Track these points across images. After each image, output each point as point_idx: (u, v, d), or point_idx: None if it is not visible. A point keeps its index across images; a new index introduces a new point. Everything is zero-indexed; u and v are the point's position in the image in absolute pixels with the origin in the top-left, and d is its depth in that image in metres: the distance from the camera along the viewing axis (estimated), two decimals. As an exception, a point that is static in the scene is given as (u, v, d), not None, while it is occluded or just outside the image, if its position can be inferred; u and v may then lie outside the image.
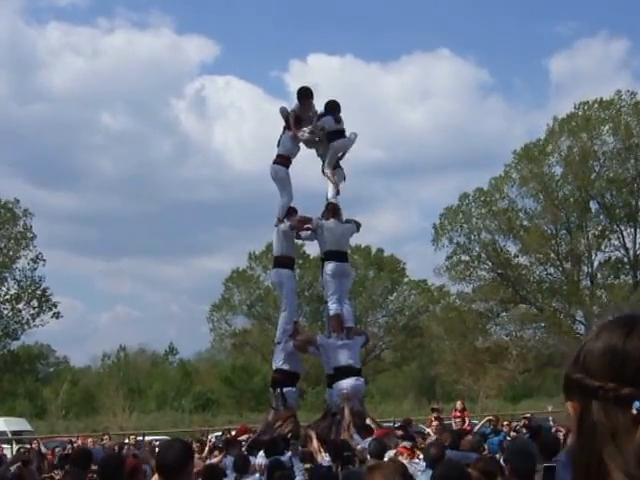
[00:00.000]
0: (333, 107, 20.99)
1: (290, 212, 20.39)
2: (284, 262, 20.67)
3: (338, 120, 20.83)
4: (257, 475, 11.70)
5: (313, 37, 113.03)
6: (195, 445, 19.92)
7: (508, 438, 19.59)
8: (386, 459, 11.01)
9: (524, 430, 20.78)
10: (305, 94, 20.69)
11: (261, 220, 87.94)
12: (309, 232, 20.61)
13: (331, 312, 19.65)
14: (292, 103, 21.28)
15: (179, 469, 5.77)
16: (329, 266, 19.78)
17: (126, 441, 24.94)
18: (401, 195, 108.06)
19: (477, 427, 22.14)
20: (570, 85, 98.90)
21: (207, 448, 18.99)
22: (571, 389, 1.76)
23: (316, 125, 20.52)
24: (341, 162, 21.37)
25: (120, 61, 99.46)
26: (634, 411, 1.63)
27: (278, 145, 20.93)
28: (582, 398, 1.73)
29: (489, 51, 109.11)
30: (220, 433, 28.67)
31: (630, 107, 54.48)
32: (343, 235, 20.28)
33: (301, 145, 21.21)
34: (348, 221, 20.64)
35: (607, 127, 54.68)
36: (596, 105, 54.86)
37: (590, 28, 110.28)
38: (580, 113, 55.19)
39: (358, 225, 20.91)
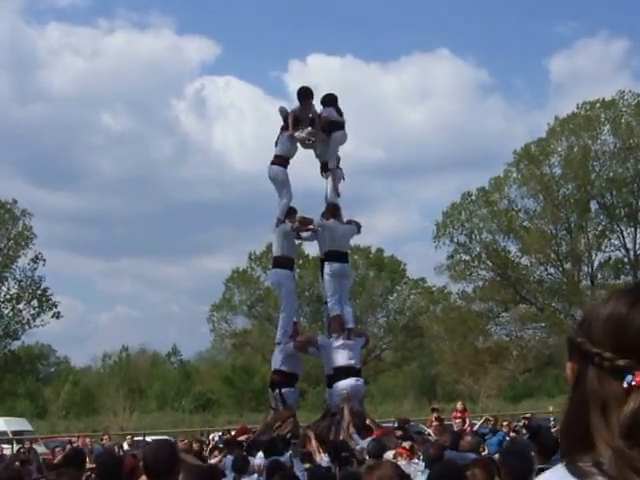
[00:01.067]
0: (332, 99, 21.02)
1: (290, 212, 20.39)
2: (283, 262, 20.67)
3: (340, 112, 20.87)
4: (256, 475, 11.68)
5: (313, 37, 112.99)
6: (195, 445, 19.96)
7: (508, 438, 19.60)
8: (384, 460, 11.01)
9: (524, 430, 20.78)
10: (305, 95, 20.65)
11: (261, 220, 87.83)
12: (310, 233, 20.64)
13: (331, 313, 19.67)
14: (292, 103, 21.32)
15: (167, 471, 5.76)
16: (329, 267, 19.79)
17: (125, 445, 24.88)
18: (401, 195, 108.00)
19: (475, 427, 22.15)
20: (570, 85, 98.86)
21: (208, 448, 19.02)
22: (573, 351, 1.78)
23: (311, 132, 20.59)
24: (342, 162, 21.45)
25: (120, 61, 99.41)
26: (625, 384, 1.64)
27: (276, 145, 20.94)
28: (581, 362, 1.75)
29: (489, 51, 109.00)
30: (220, 433, 28.67)
31: (631, 107, 54.49)
32: (343, 236, 20.28)
33: (299, 145, 21.23)
34: (349, 222, 20.66)
35: (607, 127, 54.68)
36: (598, 105, 54.87)
37: (590, 28, 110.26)
38: (582, 113, 55.19)
39: (359, 226, 20.91)
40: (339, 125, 20.85)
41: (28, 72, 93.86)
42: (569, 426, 1.76)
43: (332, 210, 20.17)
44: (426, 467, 9.37)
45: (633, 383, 1.63)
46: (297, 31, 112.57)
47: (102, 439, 26.49)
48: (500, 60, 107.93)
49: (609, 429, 1.64)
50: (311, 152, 21.49)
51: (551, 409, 39.36)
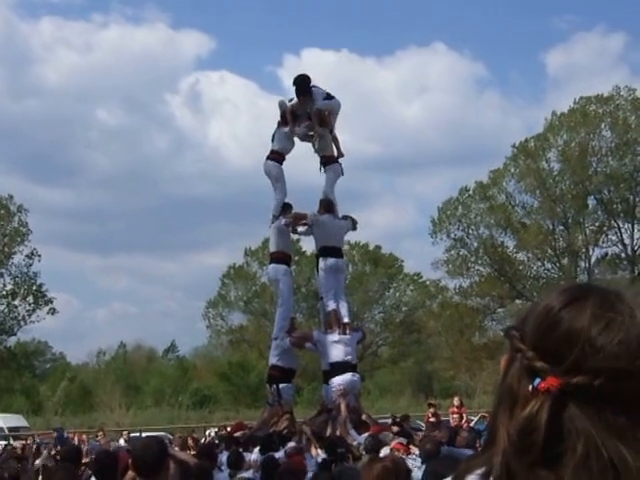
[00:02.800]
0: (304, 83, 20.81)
1: (285, 208, 20.37)
2: (280, 258, 20.66)
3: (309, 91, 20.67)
4: (251, 471, 11.62)
5: (307, 32, 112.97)
6: (190, 441, 19.90)
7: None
8: (382, 455, 10.95)
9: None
10: (302, 91, 20.54)
11: (258, 216, 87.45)
12: (305, 227, 20.61)
13: (327, 308, 19.65)
14: (287, 98, 21.17)
15: (157, 468, 5.70)
16: (324, 262, 19.78)
17: (121, 442, 24.82)
18: (398, 190, 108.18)
19: (472, 424, 22.11)
20: (567, 79, 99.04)
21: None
22: (508, 343, 1.70)
23: (310, 126, 20.56)
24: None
25: (115, 56, 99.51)
26: (529, 387, 1.57)
27: (272, 141, 20.89)
28: (510, 356, 1.68)
29: (485, 45, 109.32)
30: (217, 429, 28.66)
31: (629, 102, 54.47)
32: (337, 231, 20.26)
33: (296, 141, 21.18)
34: (345, 217, 20.63)
35: (605, 123, 54.66)
36: (595, 100, 54.85)
37: (587, 22, 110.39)
38: (579, 108, 55.16)
39: (354, 222, 20.88)
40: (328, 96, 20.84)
41: (22, 67, 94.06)
42: (491, 420, 1.69)
43: (326, 205, 20.15)
44: (422, 463, 9.31)
45: (538, 387, 1.56)
46: (292, 25, 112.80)
47: (97, 436, 26.40)
48: (497, 54, 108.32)
49: (510, 428, 1.57)
50: (307, 148, 21.49)
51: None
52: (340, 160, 21.36)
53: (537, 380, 1.56)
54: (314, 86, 20.65)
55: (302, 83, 20.54)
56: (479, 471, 1.61)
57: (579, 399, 1.54)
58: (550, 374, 1.55)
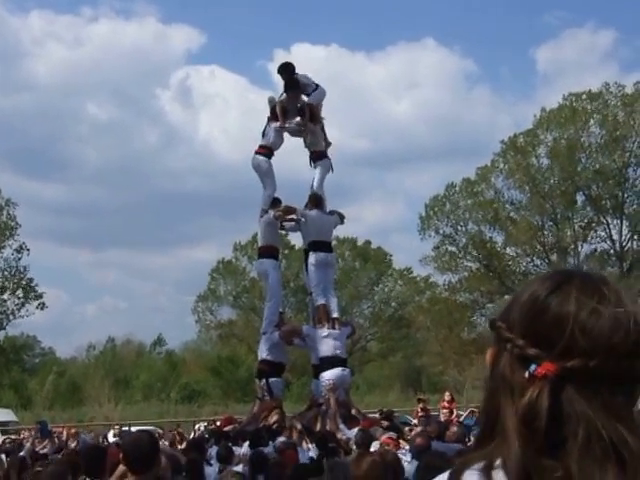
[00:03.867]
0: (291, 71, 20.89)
1: (274, 203, 20.40)
2: (268, 252, 20.70)
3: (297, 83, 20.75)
4: (241, 465, 11.64)
5: (297, 26, 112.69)
6: (176, 435, 19.91)
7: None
8: (372, 449, 10.99)
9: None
10: (292, 86, 20.57)
11: (247, 210, 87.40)
12: (293, 223, 20.66)
13: (316, 303, 19.68)
14: (277, 93, 21.23)
15: (148, 462, 5.70)
16: (313, 257, 19.80)
17: (110, 436, 24.82)
18: (387, 186, 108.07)
19: (461, 419, 22.16)
20: (557, 75, 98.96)
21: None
22: (493, 335, 1.71)
23: (300, 122, 20.59)
24: (329, 153, 21.46)
25: (104, 50, 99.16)
26: (526, 374, 1.59)
27: (263, 136, 20.91)
28: (497, 347, 1.69)
29: (475, 41, 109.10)
30: (206, 424, 28.65)
31: (618, 99, 54.58)
32: (326, 226, 20.26)
33: (286, 136, 21.20)
34: (332, 212, 20.67)
35: (594, 119, 54.75)
36: (584, 97, 54.93)
37: (577, 18, 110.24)
38: (568, 104, 55.25)
39: (342, 217, 20.93)
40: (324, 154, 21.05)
41: (11, 61, 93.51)
42: (485, 414, 1.70)
43: (315, 201, 20.16)
44: (413, 457, 9.33)
45: (535, 373, 1.58)
46: (282, 20, 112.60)
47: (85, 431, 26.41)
48: (487, 50, 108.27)
49: (514, 418, 1.58)
50: (296, 143, 21.53)
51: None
52: (329, 155, 21.42)
53: (533, 366, 1.58)
54: (304, 77, 20.75)
55: (290, 79, 20.59)
56: (478, 465, 1.61)
57: (575, 382, 1.56)
58: (545, 359, 1.57)
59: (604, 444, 1.52)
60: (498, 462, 1.58)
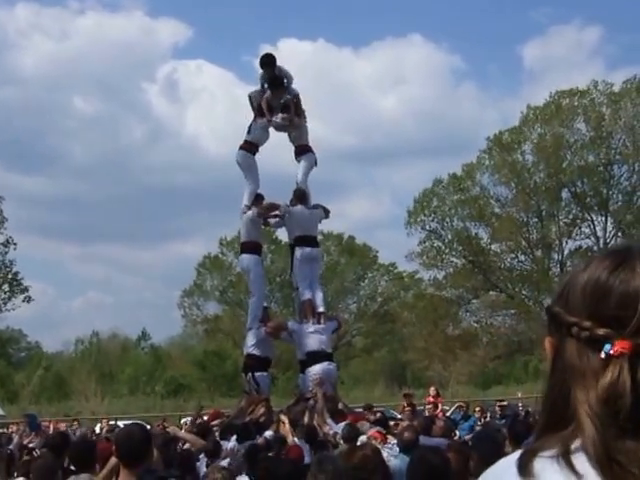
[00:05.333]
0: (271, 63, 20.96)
1: (257, 198, 20.43)
2: (251, 248, 20.69)
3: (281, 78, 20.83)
4: (228, 459, 11.69)
5: (284, 21, 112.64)
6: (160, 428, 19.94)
7: (479, 423, 19.77)
8: (359, 444, 11.07)
9: (497, 416, 20.94)
10: (275, 84, 20.61)
11: (234, 205, 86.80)
12: (277, 219, 20.72)
13: (302, 298, 19.72)
14: (260, 76, 21.17)
15: (141, 455, 5.78)
16: (299, 252, 19.83)
17: (97, 430, 24.84)
18: (373, 181, 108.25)
19: (448, 414, 22.25)
20: (543, 72, 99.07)
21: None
22: (551, 323, 1.69)
23: (286, 118, 20.64)
24: (314, 148, 21.54)
25: (91, 44, 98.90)
26: (602, 354, 1.55)
27: (249, 132, 20.94)
28: (559, 334, 1.66)
29: (462, 37, 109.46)
30: (192, 418, 28.66)
31: (604, 96, 54.77)
32: (310, 220, 20.28)
33: (271, 131, 21.24)
34: (316, 206, 20.68)
35: (579, 116, 54.93)
36: (571, 94, 55.11)
37: (564, 15, 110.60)
38: (554, 101, 55.43)
39: (327, 211, 20.93)
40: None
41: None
42: (550, 403, 1.67)
43: (299, 196, 20.20)
44: (401, 451, 9.42)
45: (611, 352, 1.54)
46: (268, 15, 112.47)
47: (72, 425, 26.43)
48: (474, 46, 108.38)
49: (590, 402, 1.55)
50: (280, 137, 21.53)
51: (520, 395, 39.71)
52: (315, 151, 21.48)
53: (607, 346, 1.55)
54: (280, 69, 20.85)
55: (275, 76, 20.61)
56: (549, 452, 1.58)
57: None
58: (617, 338, 1.55)
59: None
60: (574, 447, 1.56)
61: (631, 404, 1.52)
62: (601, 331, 1.56)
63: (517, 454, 1.63)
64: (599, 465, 1.51)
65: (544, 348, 1.72)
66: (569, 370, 1.61)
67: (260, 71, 21.03)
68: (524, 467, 1.57)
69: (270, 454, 10.98)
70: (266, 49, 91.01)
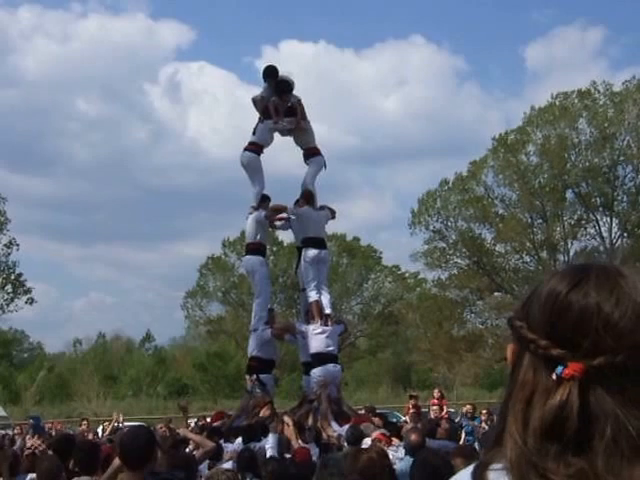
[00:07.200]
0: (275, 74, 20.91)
1: (263, 199, 20.36)
2: (255, 249, 20.63)
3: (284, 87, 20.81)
4: (231, 462, 11.58)
5: (285, 23, 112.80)
6: (163, 430, 19.82)
7: (484, 425, 19.62)
8: (363, 446, 10.97)
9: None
10: (282, 89, 20.57)
11: (236, 206, 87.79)
12: (283, 222, 20.65)
13: (309, 299, 19.65)
14: (263, 88, 21.12)
15: (145, 457, 5.68)
16: (308, 253, 19.78)
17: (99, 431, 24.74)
18: (376, 182, 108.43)
19: (457, 419, 22.01)
20: (546, 73, 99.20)
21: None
22: (512, 334, 1.68)
23: (292, 121, 20.60)
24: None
25: (94, 46, 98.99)
26: (554, 376, 1.55)
27: (254, 133, 20.85)
28: (518, 347, 1.65)
29: (464, 38, 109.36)
30: (196, 419, 28.61)
31: (607, 97, 54.67)
32: (318, 222, 20.26)
33: (276, 135, 21.19)
34: (322, 207, 20.63)
35: (584, 116, 54.82)
36: (574, 95, 55.02)
37: (567, 16, 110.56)
38: (557, 103, 55.33)
39: (333, 212, 20.90)
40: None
41: (0, 56, 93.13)
42: (501, 412, 1.67)
43: (306, 197, 20.14)
44: (407, 454, 9.31)
45: (563, 375, 1.54)
46: (270, 17, 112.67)
47: (80, 425, 26.33)
48: (476, 47, 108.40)
49: (526, 424, 1.56)
50: (285, 139, 21.46)
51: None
52: (322, 151, 21.45)
53: (560, 368, 1.54)
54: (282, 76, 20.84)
55: (280, 82, 20.58)
56: (499, 465, 1.59)
57: (602, 380, 1.54)
58: (571, 360, 1.54)
59: (632, 441, 1.50)
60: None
61: (576, 427, 1.53)
62: (556, 352, 1.57)
63: (472, 467, 1.66)
64: None
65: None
66: (521, 385, 1.62)
67: (264, 84, 20.99)
68: (478, 479, 1.62)
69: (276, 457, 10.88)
70: (268, 51, 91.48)
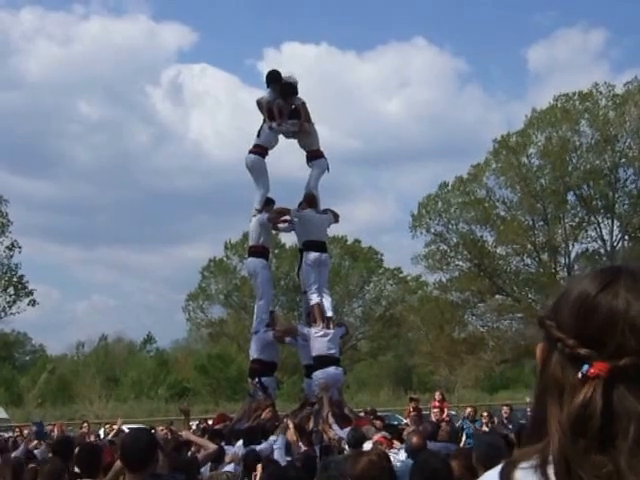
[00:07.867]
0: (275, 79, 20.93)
1: (267, 202, 20.39)
2: (258, 252, 20.66)
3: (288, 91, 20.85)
4: (233, 465, 11.60)
5: (287, 25, 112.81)
6: (165, 432, 19.84)
7: (485, 427, 19.63)
8: (365, 449, 10.99)
9: (504, 421, 20.78)
10: (287, 92, 20.62)
11: (238, 209, 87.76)
12: (286, 224, 20.68)
13: (311, 302, 19.67)
14: (263, 94, 21.15)
15: (146, 460, 5.70)
16: (309, 256, 19.82)
17: (101, 433, 24.77)
18: (378, 185, 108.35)
19: (458, 423, 22.01)
20: (548, 75, 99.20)
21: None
22: (543, 332, 1.73)
23: (296, 124, 20.63)
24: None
25: (96, 48, 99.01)
26: (579, 375, 1.60)
27: (258, 135, 20.87)
28: (547, 345, 1.71)
29: (466, 40, 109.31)
30: (197, 422, 28.63)
31: (608, 99, 54.66)
32: (320, 225, 20.30)
33: (280, 137, 21.21)
34: (325, 211, 20.66)
35: (585, 119, 54.82)
36: (575, 97, 55.01)
37: (569, 18, 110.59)
38: (559, 105, 55.32)
39: (336, 216, 20.92)
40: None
41: (1, 58, 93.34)
42: (534, 412, 1.73)
43: (309, 200, 20.18)
44: (408, 456, 9.34)
45: (588, 374, 1.59)
46: (272, 19, 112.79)
47: (81, 427, 26.36)
48: (478, 49, 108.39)
49: (561, 417, 1.61)
50: (289, 142, 21.49)
51: (528, 400, 39.55)
52: (326, 155, 21.48)
53: (585, 367, 1.60)
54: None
55: (284, 85, 20.63)
56: (528, 463, 1.65)
57: (626, 380, 1.58)
58: (597, 359, 1.59)
59: None
60: (551, 458, 1.61)
61: (600, 425, 1.57)
62: (582, 351, 1.61)
63: (500, 465, 1.71)
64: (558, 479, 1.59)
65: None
66: (551, 381, 1.67)
67: (268, 89, 21.01)
68: (506, 478, 1.67)
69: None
70: (270, 53, 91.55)
